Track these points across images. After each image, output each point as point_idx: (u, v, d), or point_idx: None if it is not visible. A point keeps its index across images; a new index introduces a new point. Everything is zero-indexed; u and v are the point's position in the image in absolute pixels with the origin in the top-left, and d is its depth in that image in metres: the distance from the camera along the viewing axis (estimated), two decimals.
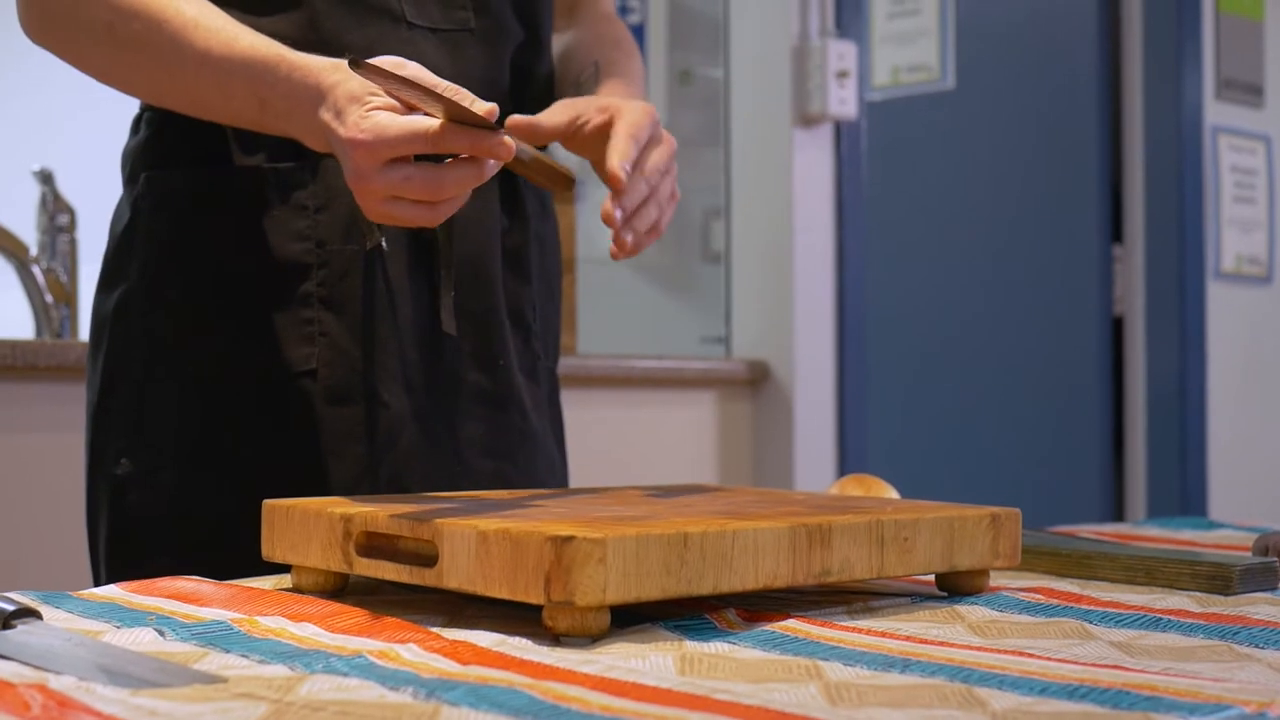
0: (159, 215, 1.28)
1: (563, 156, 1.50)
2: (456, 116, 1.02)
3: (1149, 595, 1.05)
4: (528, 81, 1.37)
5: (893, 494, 1.23)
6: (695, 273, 3.82)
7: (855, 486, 1.23)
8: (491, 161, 1.05)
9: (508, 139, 1.03)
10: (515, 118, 1.21)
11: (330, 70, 1.11)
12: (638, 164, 1.20)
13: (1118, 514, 3.75)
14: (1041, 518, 3.61)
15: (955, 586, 1.03)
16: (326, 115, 1.08)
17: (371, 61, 0.99)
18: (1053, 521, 3.11)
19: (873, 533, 0.95)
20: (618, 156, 1.17)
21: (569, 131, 1.24)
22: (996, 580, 1.11)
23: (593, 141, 1.23)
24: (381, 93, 1.06)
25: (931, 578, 1.06)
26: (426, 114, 1.04)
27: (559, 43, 1.47)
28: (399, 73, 1.00)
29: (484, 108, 1.02)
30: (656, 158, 1.22)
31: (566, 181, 1.27)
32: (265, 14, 1.23)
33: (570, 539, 0.80)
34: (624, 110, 1.22)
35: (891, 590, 1.04)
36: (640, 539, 0.82)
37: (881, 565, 0.96)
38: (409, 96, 1.03)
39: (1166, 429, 3.67)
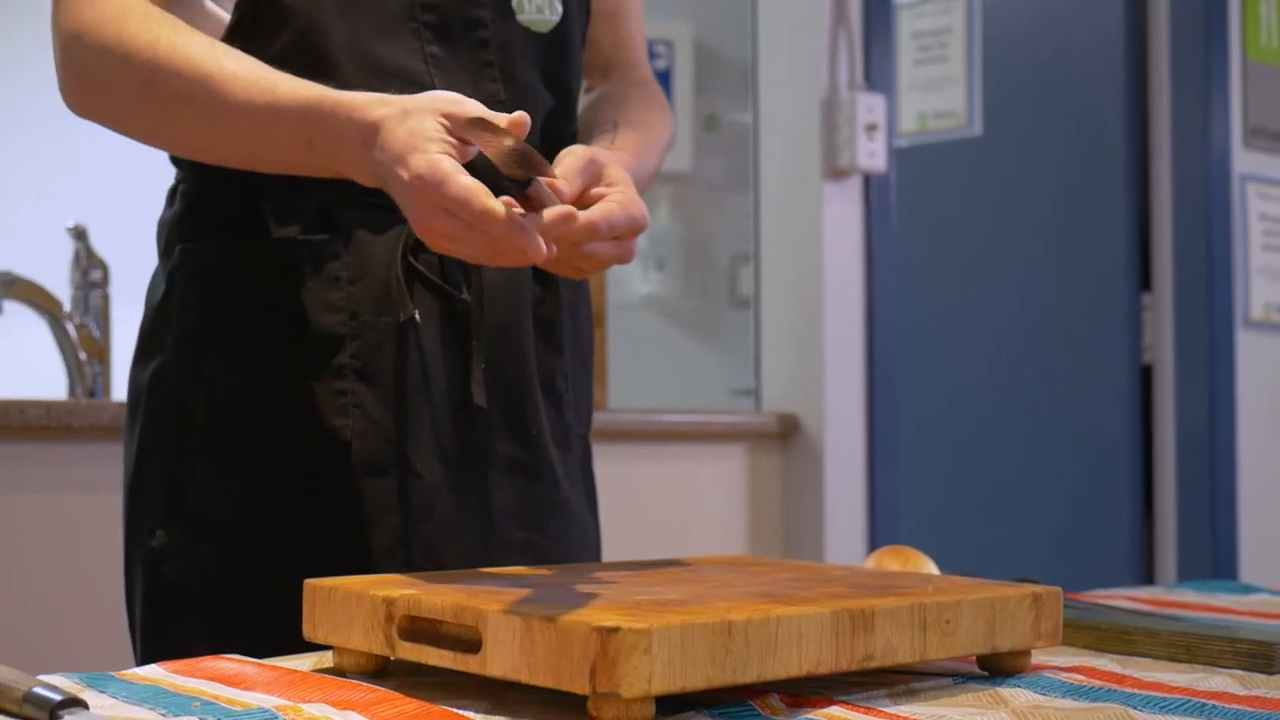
0: (193, 287, 1.29)
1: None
2: (514, 155, 1.03)
3: (1191, 675, 1.04)
4: (557, 148, 1.38)
5: (931, 567, 1.23)
6: (723, 318, 3.82)
7: (893, 559, 1.23)
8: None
9: (542, 245, 1.04)
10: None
11: (377, 105, 1.11)
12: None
13: (1148, 565, 3.73)
14: (1072, 569, 3.61)
15: (997, 666, 1.02)
16: (380, 155, 1.09)
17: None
18: (1083, 575, 3.11)
19: (915, 616, 0.95)
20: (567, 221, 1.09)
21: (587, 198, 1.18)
22: (1037, 657, 1.10)
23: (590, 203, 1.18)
24: (440, 135, 1.06)
25: (973, 655, 1.06)
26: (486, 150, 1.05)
27: (589, 100, 1.47)
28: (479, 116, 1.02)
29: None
30: (602, 249, 1.15)
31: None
32: None
33: (616, 630, 0.80)
34: (619, 199, 1.15)
35: (932, 670, 1.03)
36: (685, 628, 0.82)
37: (924, 649, 0.95)
38: (478, 138, 1.04)
39: (1196, 479, 3.65)
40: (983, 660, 1.02)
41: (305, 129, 1.14)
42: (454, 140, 1.07)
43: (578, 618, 0.82)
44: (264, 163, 1.20)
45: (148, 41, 1.17)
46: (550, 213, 1.05)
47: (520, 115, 1.05)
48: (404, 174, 1.06)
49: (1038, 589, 1.03)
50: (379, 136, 1.09)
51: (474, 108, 1.09)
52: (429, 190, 1.05)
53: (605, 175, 1.16)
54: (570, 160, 1.14)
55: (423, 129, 1.07)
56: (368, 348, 1.26)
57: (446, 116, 1.08)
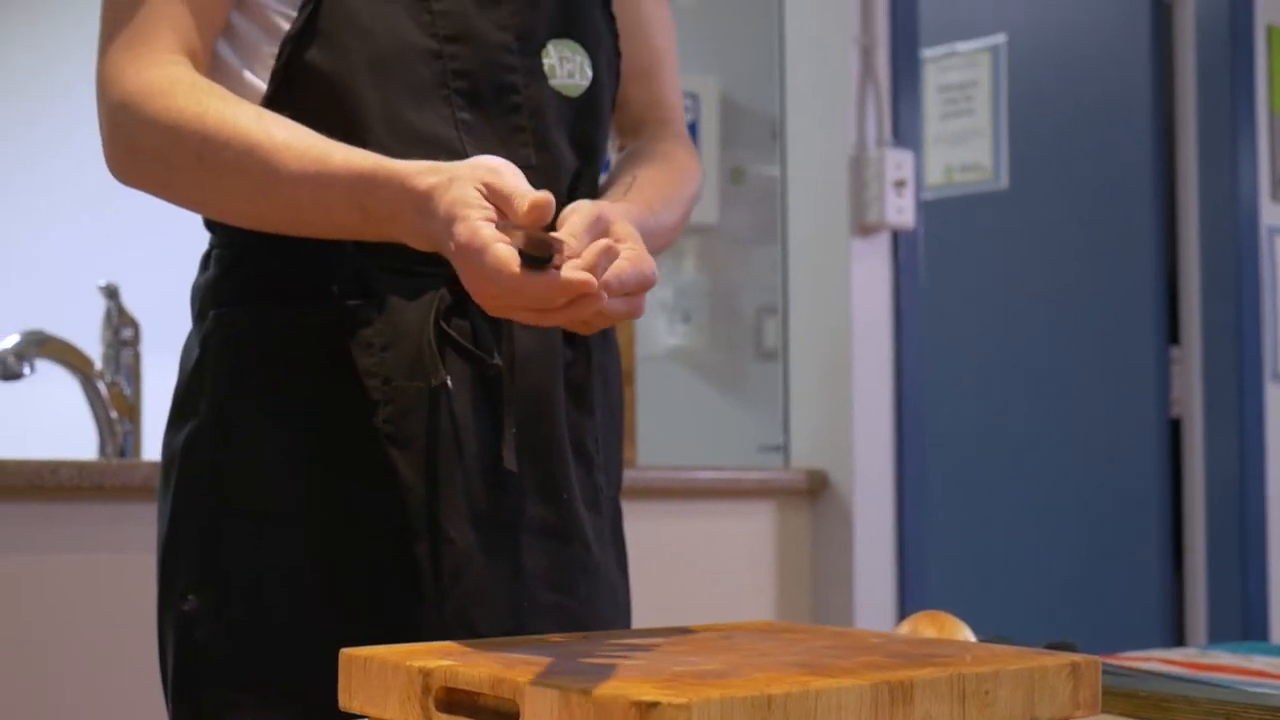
0: (227, 352, 1.29)
1: None
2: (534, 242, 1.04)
3: None
4: None
5: (967, 633, 1.22)
6: (749, 370, 3.82)
7: (929, 625, 1.22)
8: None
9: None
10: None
11: (428, 174, 1.12)
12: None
13: (1178, 622, 3.70)
14: (1100, 626, 3.58)
15: None
16: (433, 224, 1.10)
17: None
18: (1113, 633, 3.08)
19: (954, 687, 0.94)
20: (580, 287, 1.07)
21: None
22: None
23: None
24: (479, 202, 1.07)
25: None
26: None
27: (618, 156, 1.48)
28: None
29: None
30: (613, 306, 1.11)
31: None
32: None
33: (655, 705, 0.79)
34: (630, 255, 1.12)
35: None
36: (724, 702, 0.82)
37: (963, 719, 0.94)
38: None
39: (1226, 535, 3.62)
40: None
41: (359, 198, 1.15)
42: (493, 206, 1.08)
43: (615, 691, 0.82)
44: (317, 229, 1.21)
45: (196, 113, 1.18)
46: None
47: (542, 201, 1.05)
48: (450, 243, 1.07)
49: (1076, 658, 1.02)
50: (429, 204, 1.10)
51: (509, 178, 1.10)
52: (470, 258, 1.05)
53: (612, 231, 1.13)
54: (577, 218, 1.11)
55: (465, 197, 1.08)
56: (400, 413, 1.26)
57: (486, 185, 1.09)
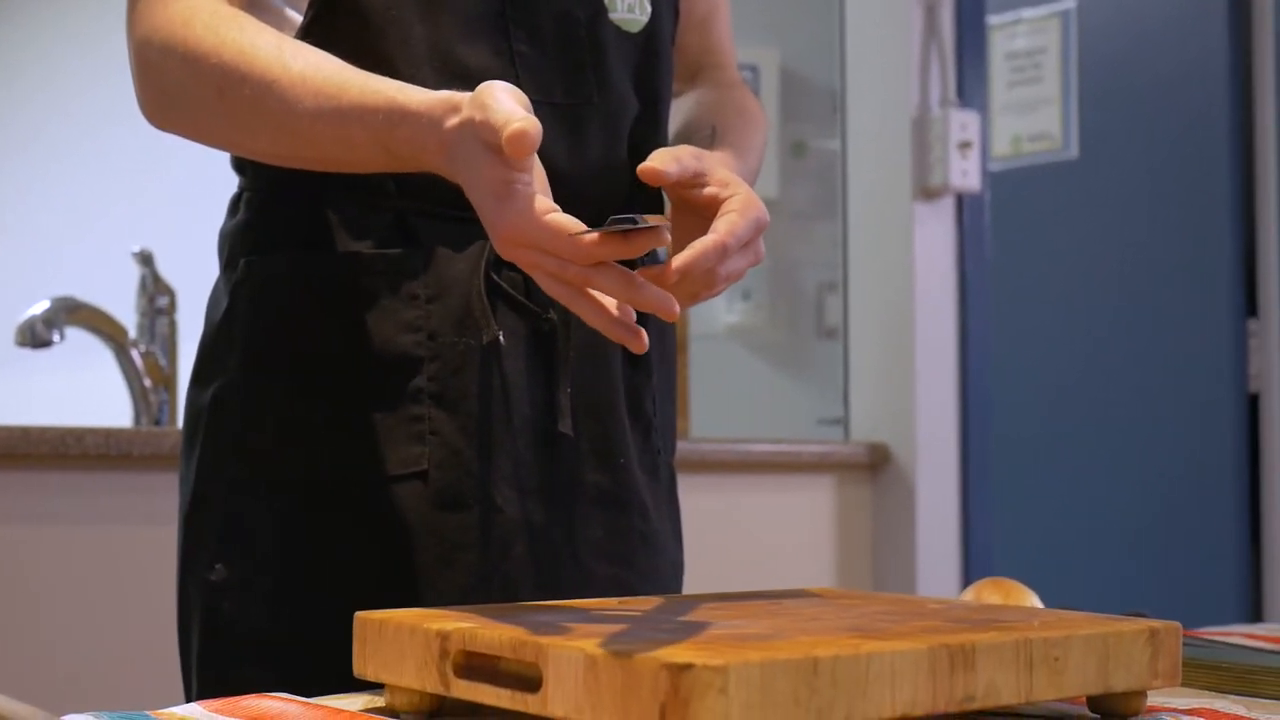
0: (259, 304, 1.21)
1: None
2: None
3: None
4: (643, 157, 1.31)
5: (1035, 601, 1.14)
6: (810, 348, 3.74)
7: (993, 592, 1.14)
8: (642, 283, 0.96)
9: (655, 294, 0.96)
10: (643, 167, 1.09)
11: (443, 110, 1.02)
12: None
13: (1255, 599, 3.59)
14: (1176, 603, 3.48)
15: (1109, 708, 0.93)
16: (461, 172, 1.01)
17: None
18: (1187, 610, 2.98)
19: (1021, 653, 0.86)
20: (704, 257, 1.04)
21: (688, 185, 1.12)
22: (1153, 699, 1.01)
23: (696, 204, 1.12)
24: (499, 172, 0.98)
25: (1083, 696, 0.97)
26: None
27: (679, 105, 1.40)
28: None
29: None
30: (735, 264, 1.09)
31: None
32: None
33: (689, 667, 0.72)
34: (738, 205, 1.09)
35: (1039, 713, 0.94)
36: (765, 665, 0.74)
37: (1030, 689, 0.87)
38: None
39: None
40: (1094, 702, 0.94)
41: (380, 137, 1.06)
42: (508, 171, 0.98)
43: (647, 653, 0.75)
44: (346, 165, 1.12)
45: (214, 45, 1.10)
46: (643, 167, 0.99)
47: (517, 133, 0.94)
48: (487, 210, 0.99)
49: (1154, 624, 0.94)
50: (449, 150, 1.01)
51: (495, 110, 0.97)
52: (513, 231, 0.97)
53: (712, 174, 1.10)
54: (666, 155, 1.08)
55: (488, 142, 0.98)
56: (446, 371, 1.18)
57: (477, 124, 0.98)
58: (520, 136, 0.93)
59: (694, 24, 1.42)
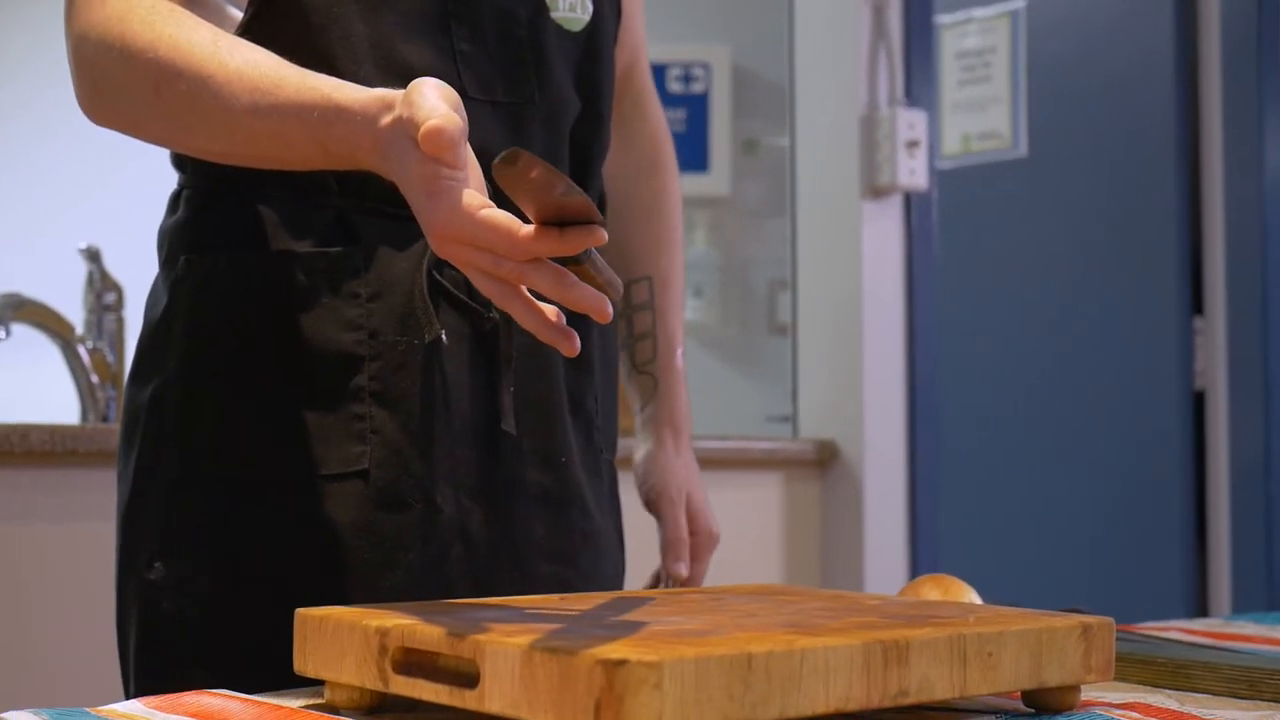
0: (198, 301, 1.21)
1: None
2: (555, 208, 0.91)
3: (1255, 712, 0.97)
4: (587, 158, 1.31)
5: (973, 597, 1.15)
6: (760, 345, 3.75)
7: (932, 588, 1.15)
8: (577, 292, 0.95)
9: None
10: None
11: (377, 108, 1.00)
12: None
13: (1200, 598, 3.63)
14: (1121, 600, 3.51)
15: (1043, 703, 0.94)
16: (394, 170, 0.99)
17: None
18: (1132, 609, 3.01)
19: (955, 648, 0.87)
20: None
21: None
22: (1087, 693, 1.03)
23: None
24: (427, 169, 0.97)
25: (1017, 691, 0.98)
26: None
27: (614, 172, 1.43)
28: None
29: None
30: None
31: (614, 293, 1.12)
32: None
33: (623, 663, 0.73)
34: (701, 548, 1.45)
35: (973, 707, 0.96)
36: (699, 661, 0.75)
37: (964, 684, 0.88)
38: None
39: (1251, 508, 3.55)
40: (1028, 697, 0.95)
41: (316, 134, 1.04)
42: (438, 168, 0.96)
43: (582, 650, 0.75)
44: (286, 163, 1.11)
45: (150, 40, 1.09)
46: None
47: (433, 130, 0.92)
48: (422, 208, 0.97)
49: (1088, 619, 0.95)
50: (382, 149, 1.00)
51: (421, 106, 0.95)
52: (448, 226, 0.95)
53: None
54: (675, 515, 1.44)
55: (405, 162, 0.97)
56: (388, 370, 1.17)
57: (405, 121, 0.97)
58: (435, 133, 0.92)
59: (625, 23, 1.41)
